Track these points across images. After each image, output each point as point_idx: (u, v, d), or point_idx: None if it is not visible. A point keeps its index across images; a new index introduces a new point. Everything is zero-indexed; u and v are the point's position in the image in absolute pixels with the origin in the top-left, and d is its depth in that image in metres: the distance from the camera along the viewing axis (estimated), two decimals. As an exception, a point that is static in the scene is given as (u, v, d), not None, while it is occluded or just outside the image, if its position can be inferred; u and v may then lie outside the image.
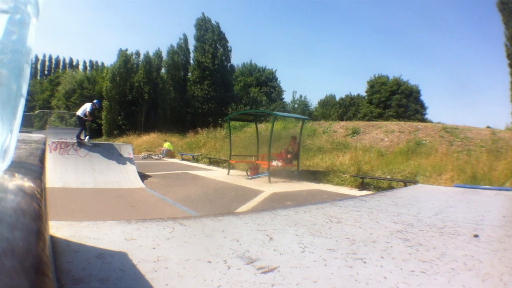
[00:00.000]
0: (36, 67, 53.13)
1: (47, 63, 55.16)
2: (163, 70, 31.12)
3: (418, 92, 35.24)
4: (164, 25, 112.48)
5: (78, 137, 9.28)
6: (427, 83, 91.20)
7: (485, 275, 1.01)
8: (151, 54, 30.81)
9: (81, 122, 9.77)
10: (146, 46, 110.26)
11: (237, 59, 69.11)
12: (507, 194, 3.39)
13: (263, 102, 32.93)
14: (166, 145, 19.10)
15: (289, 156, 10.26)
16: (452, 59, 79.90)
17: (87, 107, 9.70)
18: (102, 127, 28.75)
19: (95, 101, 10.14)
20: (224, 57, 30.32)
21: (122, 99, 28.84)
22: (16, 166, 0.45)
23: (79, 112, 9.77)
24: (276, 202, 6.36)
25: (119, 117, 28.94)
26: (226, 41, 30.76)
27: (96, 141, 12.51)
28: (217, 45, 29.82)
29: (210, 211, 5.64)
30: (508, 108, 16.37)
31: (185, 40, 31.32)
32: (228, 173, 10.96)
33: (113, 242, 1.17)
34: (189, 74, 29.98)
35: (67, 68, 48.59)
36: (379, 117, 32.30)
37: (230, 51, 31.07)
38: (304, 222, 1.71)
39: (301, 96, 44.78)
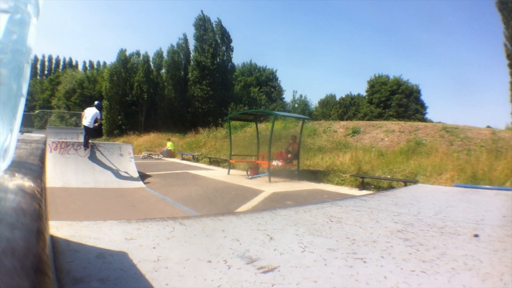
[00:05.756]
0: (36, 67, 53.14)
1: (47, 63, 55.16)
2: (163, 70, 31.14)
3: (418, 91, 35.21)
4: (165, 25, 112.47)
5: (85, 145, 8.64)
6: (427, 82, 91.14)
7: (485, 274, 1.01)
8: (151, 54, 30.88)
9: (88, 131, 8.86)
10: (146, 46, 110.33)
11: (237, 58, 69.16)
12: (507, 194, 3.39)
13: (263, 102, 32.92)
14: (169, 144, 19.06)
15: (289, 155, 10.26)
16: (452, 59, 79.98)
17: (97, 115, 8.91)
18: (102, 127, 28.76)
19: (96, 103, 9.45)
20: (225, 57, 30.30)
21: (122, 99, 28.87)
22: (16, 166, 0.45)
23: (87, 122, 8.77)
24: (276, 202, 6.36)
25: (119, 117, 28.96)
26: (230, 40, 30.72)
27: (96, 141, 12.53)
28: (220, 43, 29.79)
29: (210, 210, 5.64)
30: (508, 108, 16.37)
31: (185, 39, 31.32)
32: (228, 173, 10.96)
33: (113, 241, 1.17)
34: (189, 74, 29.98)
35: (67, 68, 48.59)
36: (379, 116, 32.28)
37: (232, 50, 31.07)
38: (304, 221, 1.71)
39: (301, 96, 44.72)
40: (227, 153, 12.50)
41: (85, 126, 8.84)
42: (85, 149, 8.60)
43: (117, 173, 8.58)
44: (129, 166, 9.04)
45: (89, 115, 8.90)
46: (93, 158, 8.70)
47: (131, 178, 8.53)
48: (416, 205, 2.57)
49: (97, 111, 9.05)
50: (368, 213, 2.06)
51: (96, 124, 9.01)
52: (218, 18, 30.51)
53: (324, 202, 2.41)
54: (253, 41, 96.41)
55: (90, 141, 9.37)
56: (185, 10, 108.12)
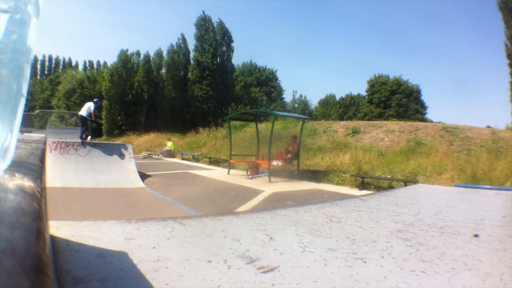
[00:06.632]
0: (36, 67, 53.09)
1: (47, 63, 55.11)
2: (163, 70, 31.14)
3: (418, 91, 35.23)
4: (165, 25, 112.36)
5: (82, 137, 9.55)
6: (427, 82, 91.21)
7: (485, 274, 1.01)
8: (151, 54, 30.86)
9: (84, 122, 9.98)
10: (146, 46, 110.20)
11: (237, 58, 69.15)
12: (507, 194, 3.39)
13: (263, 102, 32.93)
14: (169, 144, 19.08)
15: (289, 155, 10.26)
16: (452, 59, 79.86)
17: (90, 106, 9.88)
18: (102, 127, 28.76)
19: (96, 99, 10.35)
20: (225, 57, 30.29)
21: (122, 99, 28.85)
22: (16, 166, 0.45)
23: (82, 112, 9.92)
24: (276, 202, 6.36)
25: (119, 117, 28.95)
26: (231, 41, 30.72)
27: (96, 140, 12.54)
28: (220, 43, 29.77)
29: (210, 210, 5.64)
30: (508, 108, 16.38)
31: (184, 40, 31.29)
32: (228, 173, 10.96)
33: (114, 241, 1.17)
34: (189, 74, 29.97)
35: (67, 68, 48.54)
36: (379, 116, 32.29)
37: (233, 50, 31.07)
38: (304, 221, 1.71)
39: (301, 96, 44.83)
40: (227, 153, 12.50)
41: (79, 115, 10.31)
42: (81, 141, 9.17)
43: (117, 173, 8.57)
44: (129, 166, 9.04)
45: (85, 106, 10.06)
46: (93, 158, 8.70)
47: (131, 178, 8.53)
48: (416, 205, 2.58)
49: (92, 104, 9.97)
50: (368, 213, 2.06)
51: (91, 113, 9.85)
52: (219, 19, 30.57)
53: (324, 202, 2.41)
54: (253, 41, 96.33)
55: (89, 139, 9.51)
56: (186, 10, 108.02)
